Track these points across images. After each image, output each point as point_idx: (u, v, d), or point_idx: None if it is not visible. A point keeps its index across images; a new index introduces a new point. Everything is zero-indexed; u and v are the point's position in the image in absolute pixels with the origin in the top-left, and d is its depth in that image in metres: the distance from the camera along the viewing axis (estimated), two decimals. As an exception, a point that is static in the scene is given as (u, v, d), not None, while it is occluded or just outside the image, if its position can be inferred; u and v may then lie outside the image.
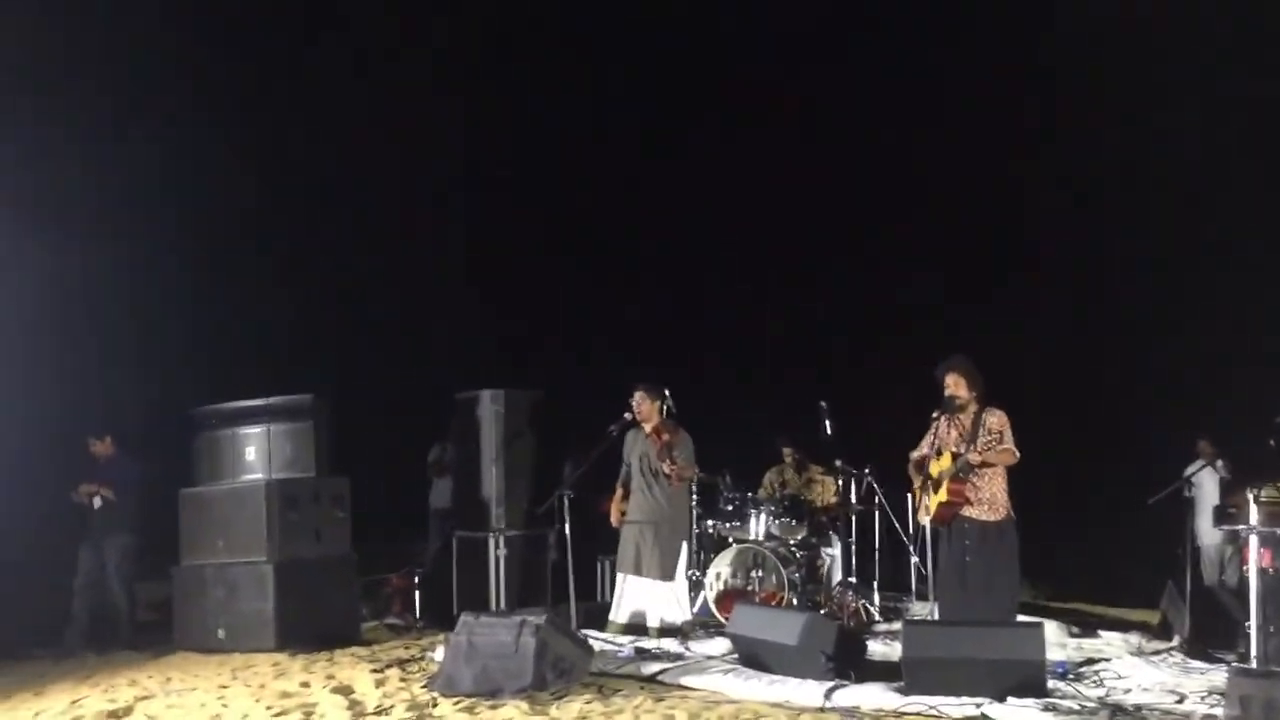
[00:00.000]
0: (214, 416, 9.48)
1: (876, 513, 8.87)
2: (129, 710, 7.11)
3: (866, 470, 8.60)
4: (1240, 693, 4.68)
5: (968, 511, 6.75)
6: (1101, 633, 7.77)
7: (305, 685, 7.35)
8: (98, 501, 9.20)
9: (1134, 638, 7.53)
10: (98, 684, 8.04)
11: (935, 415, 7.03)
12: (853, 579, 8.69)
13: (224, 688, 7.50)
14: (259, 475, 9.14)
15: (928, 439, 7.10)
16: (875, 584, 8.72)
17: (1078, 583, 9.66)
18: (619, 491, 8.49)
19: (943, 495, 6.77)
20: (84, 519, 9.31)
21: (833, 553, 8.86)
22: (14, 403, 9.46)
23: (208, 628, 8.89)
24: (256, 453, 9.22)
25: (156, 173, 10.93)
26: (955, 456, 6.75)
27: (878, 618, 8.38)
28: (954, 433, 6.91)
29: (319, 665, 8.04)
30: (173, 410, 9.87)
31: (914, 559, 8.57)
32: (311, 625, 8.66)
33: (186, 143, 11.10)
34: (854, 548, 8.83)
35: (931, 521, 6.98)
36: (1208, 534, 9.16)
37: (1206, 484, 9.18)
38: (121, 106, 10.71)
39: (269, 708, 6.77)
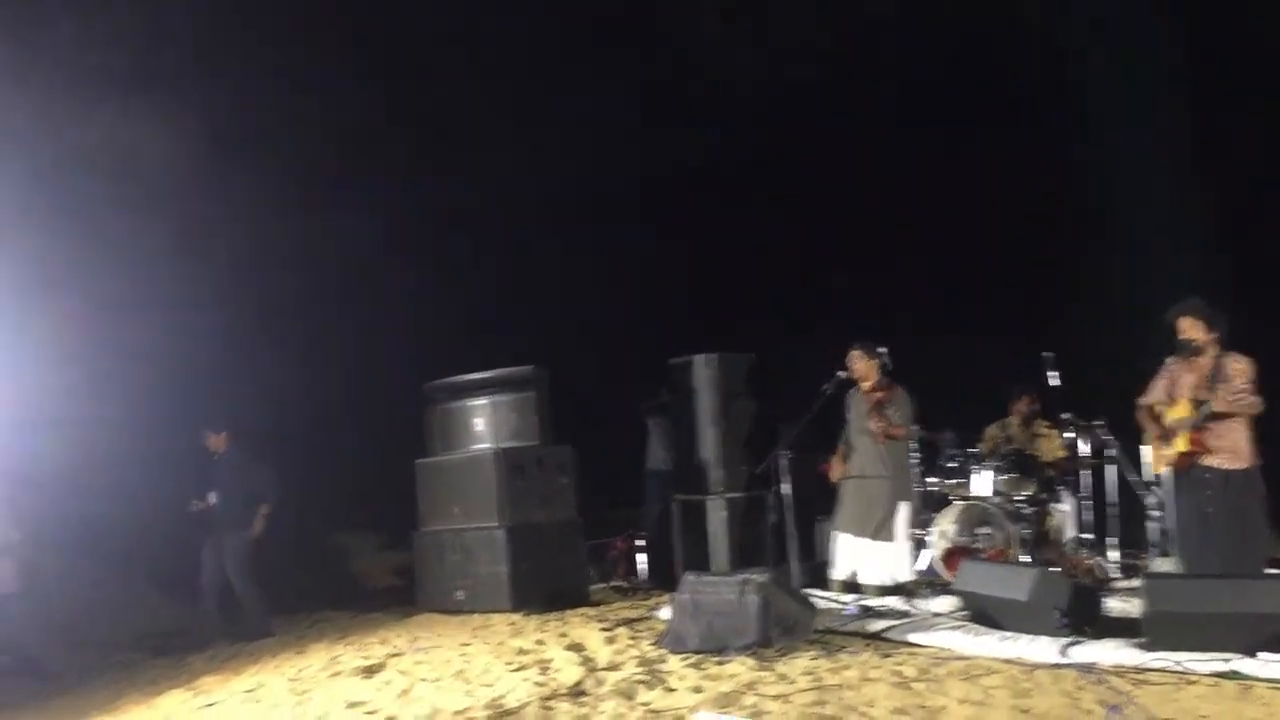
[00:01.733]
0: (444, 390, 9.98)
1: (1109, 467, 8.47)
2: (381, 666, 7.61)
3: (1098, 423, 8.23)
4: None
5: (1209, 460, 6.39)
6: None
7: (540, 643, 7.68)
8: (212, 498, 9.46)
9: None
10: (352, 643, 8.63)
11: (1169, 360, 6.68)
12: (1086, 535, 8.35)
13: (465, 645, 7.92)
14: (487, 445, 9.56)
15: (1159, 384, 6.74)
16: (1110, 541, 8.36)
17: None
18: (840, 450, 8.46)
19: (1182, 444, 6.42)
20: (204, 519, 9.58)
21: (1063, 509, 8.53)
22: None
23: (447, 590, 9.38)
24: (484, 423, 9.65)
25: (378, 156, 11.45)
26: (1197, 404, 6.39)
27: (1114, 575, 8.04)
28: (1190, 378, 6.53)
29: (551, 624, 8.37)
30: (405, 385, 10.40)
31: (1152, 513, 8.16)
32: (543, 587, 9.03)
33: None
34: (1086, 504, 8.48)
35: (1171, 470, 6.63)
36: None
37: None
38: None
39: (508, 663, 7.11)
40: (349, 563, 11.97)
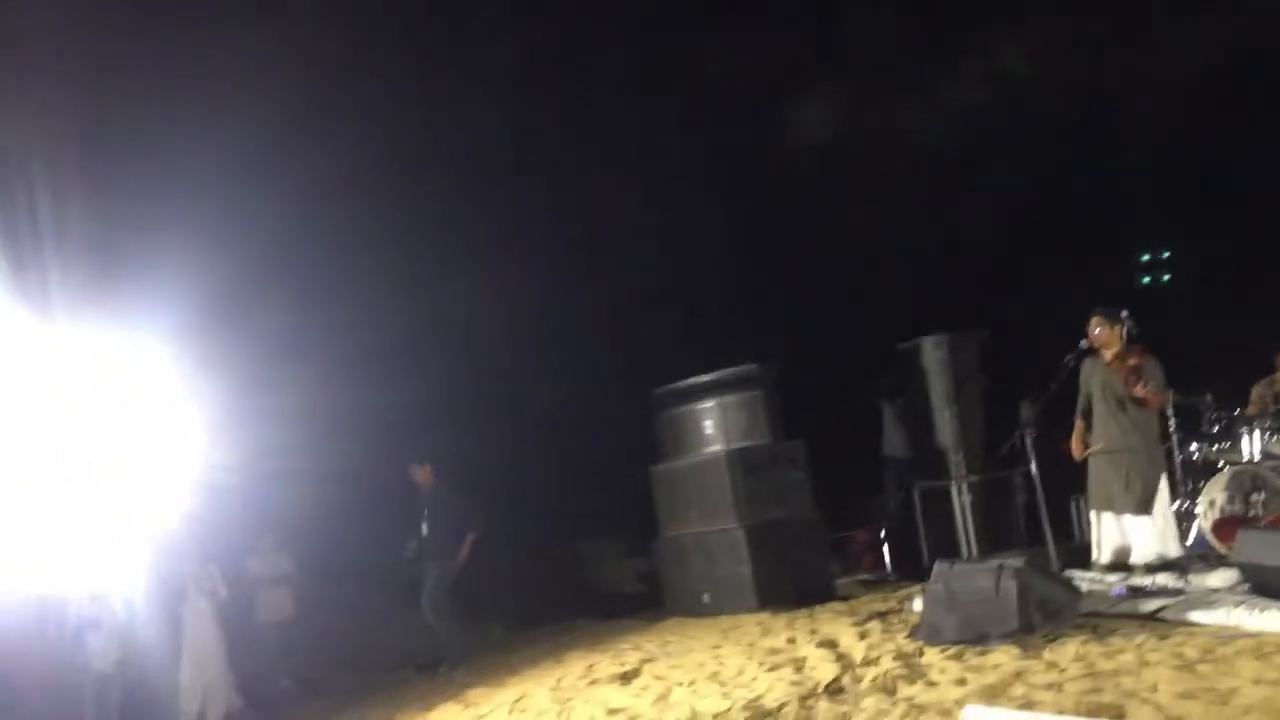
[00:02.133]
0: (671, 396, 10.07)
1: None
2: (637, 672, 7.73)
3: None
4: None
5: None
6: None
7: (791, 641, 7.62)
8: (423, 529, 9.65)
9: None
10: (606, 650, 8.81)
11: None
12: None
13: (716, 647, 7.95)
14: (718, 446, 9.59)
15: None
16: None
17: None
18: (1079, 424, 8.01)
19: None
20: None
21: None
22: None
23: (693, 593, 9.45)
24: (713, 425, 9.68)
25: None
26: None
27: None
28: None
29: (800, 622, 8.29)
30: (634, 393, 10.56)
31: None
32: (788, 584, 8.97)
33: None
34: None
35: None
36: None
37: None
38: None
39: (761, 663, 7.08)
40: (594, 572, 12.22)
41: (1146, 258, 13.19)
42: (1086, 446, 7.89)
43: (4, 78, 7.98)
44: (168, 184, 9.38)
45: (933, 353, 9.36)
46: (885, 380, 10.15)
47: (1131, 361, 7.61)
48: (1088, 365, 7.91)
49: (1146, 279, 13.16)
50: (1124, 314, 7.81)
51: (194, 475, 8.13)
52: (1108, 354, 7.78)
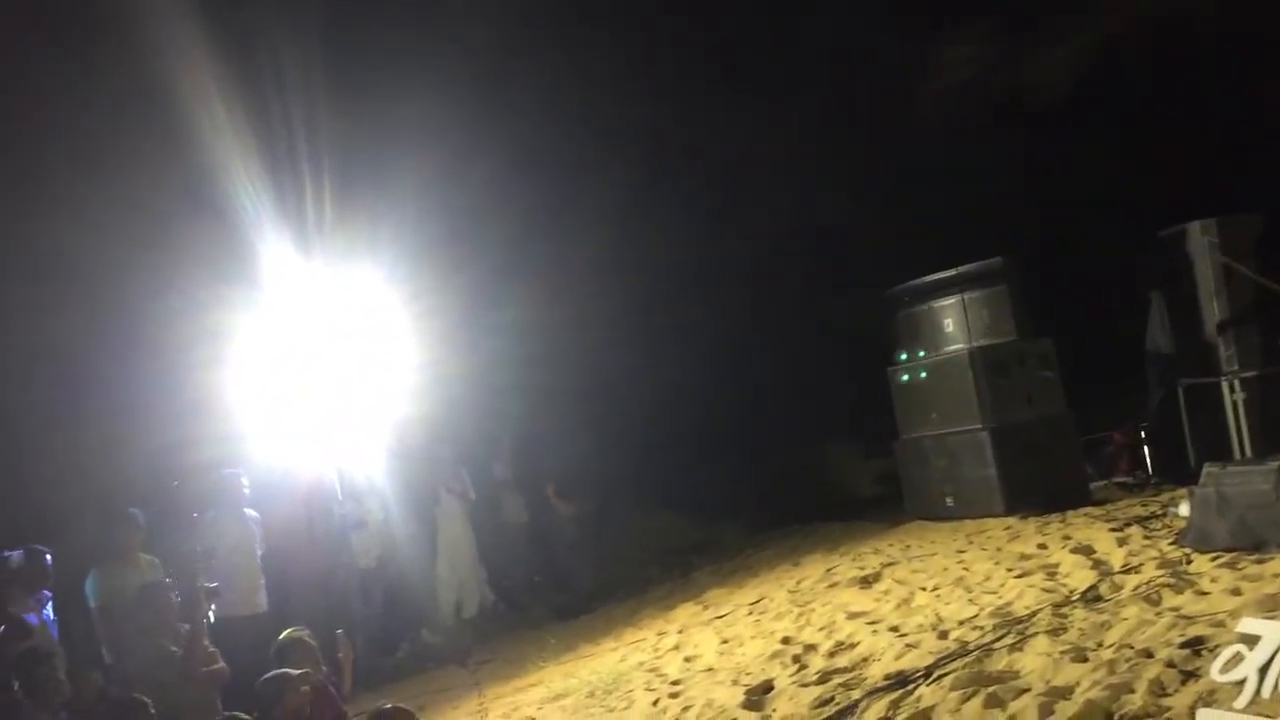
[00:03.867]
0: (908, 294, 9.68)
1: None
2: (877, 576, 7.58)
3: None
4: None
5: None
6: None
7: (1042, 547, 7.27)
8: None
9: None
10: (846, 554, 8.70)
11: None
12: None
13: (961, 552, 7.69)
14: (960, 345, 9.17)
15: None
16: None
17: None
18: None
19: None
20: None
21: None
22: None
23: (934, 496, 9.17)
24: (954, 323, 9.25)
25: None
26: None
27: None
28: None
29: (1052, 527, 7.90)
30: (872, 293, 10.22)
31: None
32: (1037, 488, 8.54)
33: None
34: None
35: None
36: None
37: None
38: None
39: (1009, 569, 6.79)
40: (834, 474, 12.07)
41: None
42: None
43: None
44: (403, 126, 9.72)
45: (1200, 238, 8.54)
46: (1148, 269, 9.38)
47: None
48: None
49: None
50: None
51: (435, 387, 8.50)
52: None
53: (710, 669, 6.43)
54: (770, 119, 11.63)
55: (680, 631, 7.55)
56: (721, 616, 7.71)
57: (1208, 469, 6.38)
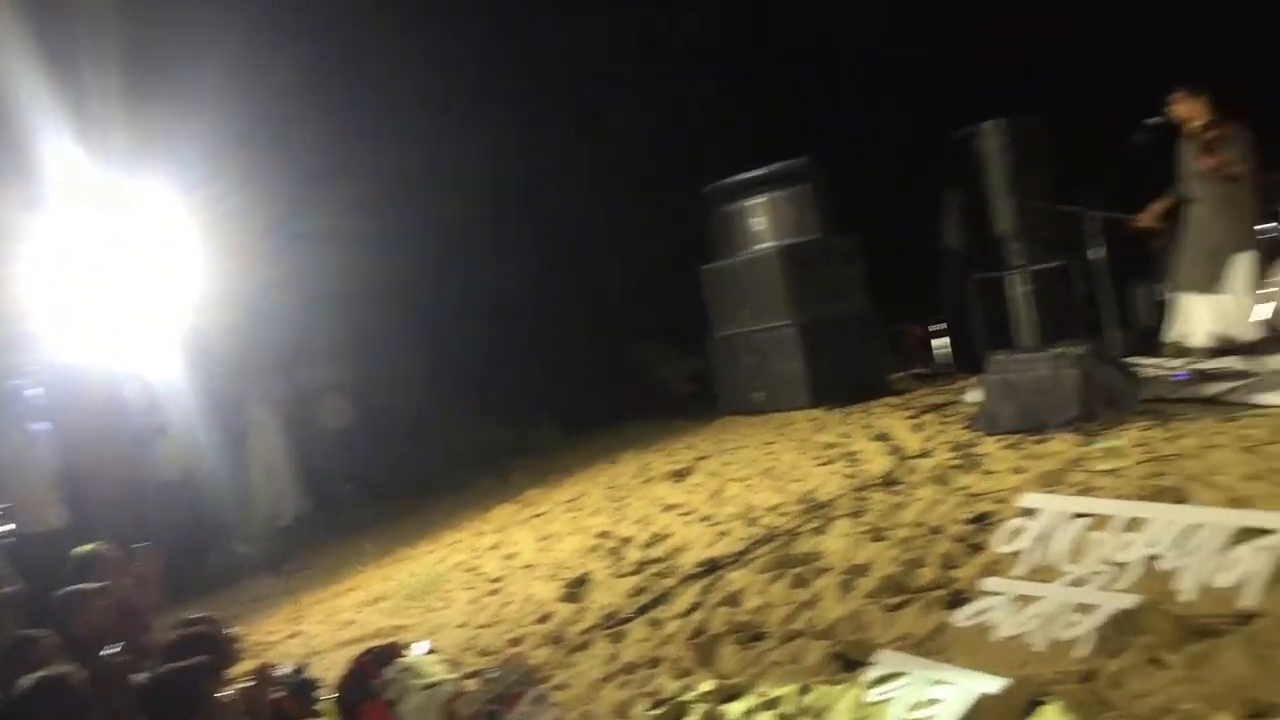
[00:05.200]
0: (721, 193, 9.80)
1: None
2: (691, 469, 7.79)
3: None
4: None
5: None
6: None
7: (845, 436, 7.59)
8: None
9: None
10: (660, 450, 8.88)
11: None
12: None
13: (770, 444, 7.95)
14: (769, 243, 9.36)
15: None
16: None
17: None
18: (1165, 200, 7.61)
19: None
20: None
21: None
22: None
23: (745, 392, 9.43)
24: (763, 222, 9.43)
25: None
26: None
27: None
28: None
29: (854, 417, 8.24)
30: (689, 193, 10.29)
31: None
32: (842, 380, 8.88)
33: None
34: None
35: None
36: None
37: None
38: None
39: (814, 458, 7.07)
40: (650, 375, 12.25)
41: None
42: (1158, 222, 7.58)
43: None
44: (198, 24, 9.16)
45: (993, 138, 8.93)
46: (945, 169, 9.75)
47: (1212, 133, 7.19)
48: (1181, 146, 7.51)
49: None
50: (1209, 88, 7.34)
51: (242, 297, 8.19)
52: (1191, 128, 7.36)
53: (529, 565, 6.52)
54: (593, 22, 11.48)
55: (498, 531, 7.60)
56: (539, 515, 7.79)
57: (995, 358, 6.75)
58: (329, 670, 4.55)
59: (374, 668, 4.06)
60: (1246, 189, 7.31)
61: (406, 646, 4.41)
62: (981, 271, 9.27)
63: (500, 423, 11.49)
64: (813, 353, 8.91)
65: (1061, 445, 5.84)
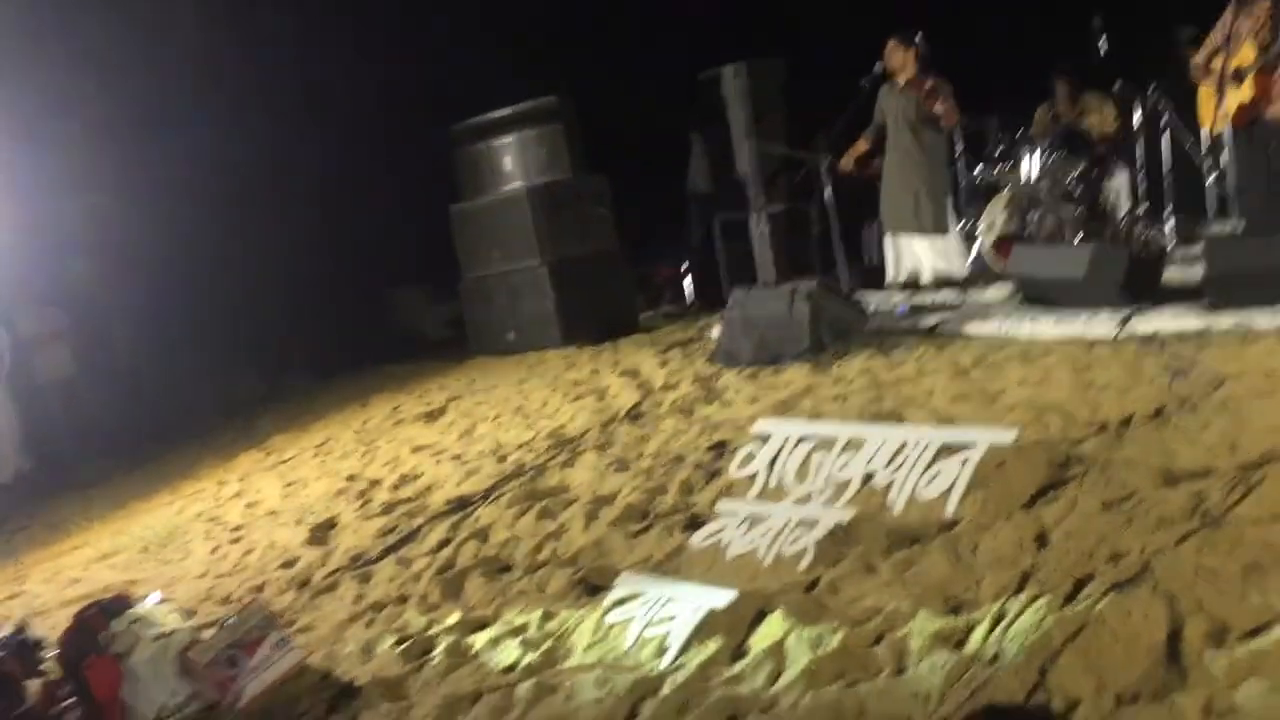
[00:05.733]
0: (469, 132, 9.69)
1: (1165, 135, 8.05)
2: (443, 410, 7.76)
3: (1151, 88, 7.78)
4: None
5: (1274, 112, 6.03)
6: None
7: (595, 372, 7.74)
8: None
9: None
10: (412, 392, 8.78)
11: (1225, 14, 6.21)
12: (1141, 208, 8.06)
13: (522, 382, 8.01)
14: (519, 183, 9.35)
15: (1214, 36, 6.30)
16: (1167, 211, 8.06)
17: None
18: (861, 143, 8.08)
19: (1245, 93, 6.06)
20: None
21: (1116, 185, 8.23)
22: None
23: (498, 332, 9.43)
24: (513, 161, 9.39)
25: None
26: (1262, 48, 5.96)
27: (1172, 245, 7.79)
28: (1248, 23, 6.08)
29: (605, 355, 8.41)
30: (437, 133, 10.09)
31: (1210, 176, 7.82)
32: (592, 319, 9.02)
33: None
34: (1140, 176, 8.14)
35: (1231, 124, 6.27)
36: None
37: None
38: None
39: (565, 395, 7.18)
40: (403, 319, 12.03)
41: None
42: (859, 164, 8.03)
43: None
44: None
45: (733, 81, 9.20)
46: (688, 111, 9.99)
47: (927, 84, 7.68)
48: (884, 92, 7.95)
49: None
50: (918, 38, 7.80)
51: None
52: (902, 78, 7.82)
53: (273, 512, 6.35)
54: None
55: (242, 479, 7.35)
56: (285, 461, 7.58)
57: (734, 293, 7.03)
58: (54, 630, 4.31)
59: (100, 621, 3.88)
60: (945, 136, 7.88)
61: (136, 598, 4.22)
62: (725, 212, 9.58)
63: (248, 370, 11.04)
64: (563, 292, 9.00)
65: (795, 375, 6.17)
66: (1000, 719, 1.49)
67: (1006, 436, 4.17)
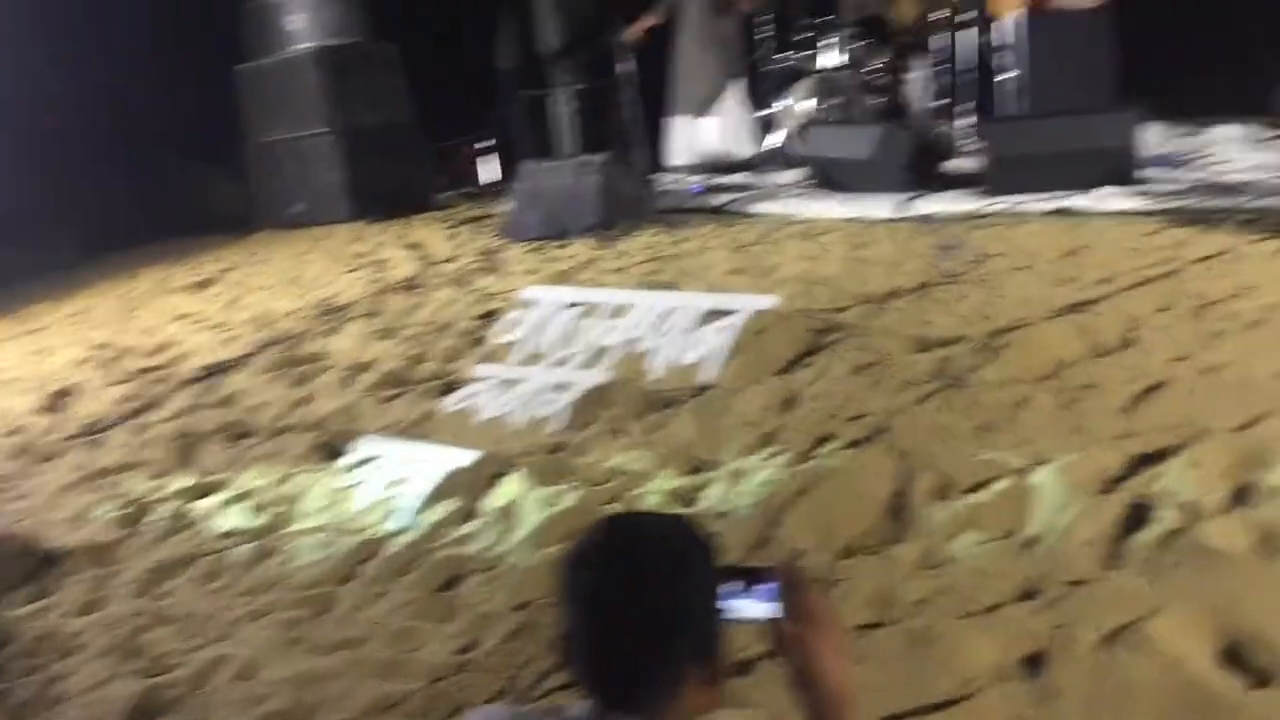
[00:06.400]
0: (254, -14, 8.99)
1: (967, 32, 8.06)
2: (213, 280, 7.28)
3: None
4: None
5: (1062, 2, 6.08)
6: (1215, 127, 7.03)
7: (380, 245, 7.37)
8: None
9: (1252, 127, 6.79)
10: (186, 264, 8.23)
11: None
12: (939, 102, 8.09)
13: (303, 255, 7.59)
14: (307, 44, 8.74)
15: None
16: (964, 107, 8.12)
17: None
18: (652, 17, 7.86)
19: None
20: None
21: (916, 77, 8.24)
22: None
23: (284, 204, 8.89)
24: (301, 19, 8.76)
25: None
26: None
27: (964, 141, 7.87)
28: None
29: (394, 229, 8.00)
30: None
31: (1004, 74, 7.88)
32: (384, 193, 8.55)
33: None
34: (944, 70, 8.14)
35: (1025, 15, 6.28)
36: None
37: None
38: None
39: (344, 266, 6.82)
40: (188, 189, 11.26)
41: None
42: (647, 36, 7.83)
43: None
44: None
45: (537, -49, 8.77)
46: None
47: None
48: None
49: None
50: None
51: None
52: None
53: (13, 380, 5.83)
54: None
55: (-15, 347, 6.75)
56: (38, 330, 7.00)
57: (524, 166, 6.77)
58: None
59: None
60: (738, 21, 7.74)
61: None
62: (531, 89, 9.21)
63: (10, 241, 10.16)
64: (353, 163, 8.51)
65: (579, 249, 5.98)
66: (625, 530, 1.34)
67: (768, 303, 4.09)
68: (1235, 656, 2.08)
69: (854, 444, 3.09)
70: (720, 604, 1.33)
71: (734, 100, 7.66)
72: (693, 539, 1.33)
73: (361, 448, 3.78)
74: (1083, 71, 6.05)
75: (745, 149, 7.68)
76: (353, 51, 8.60)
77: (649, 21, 7.73)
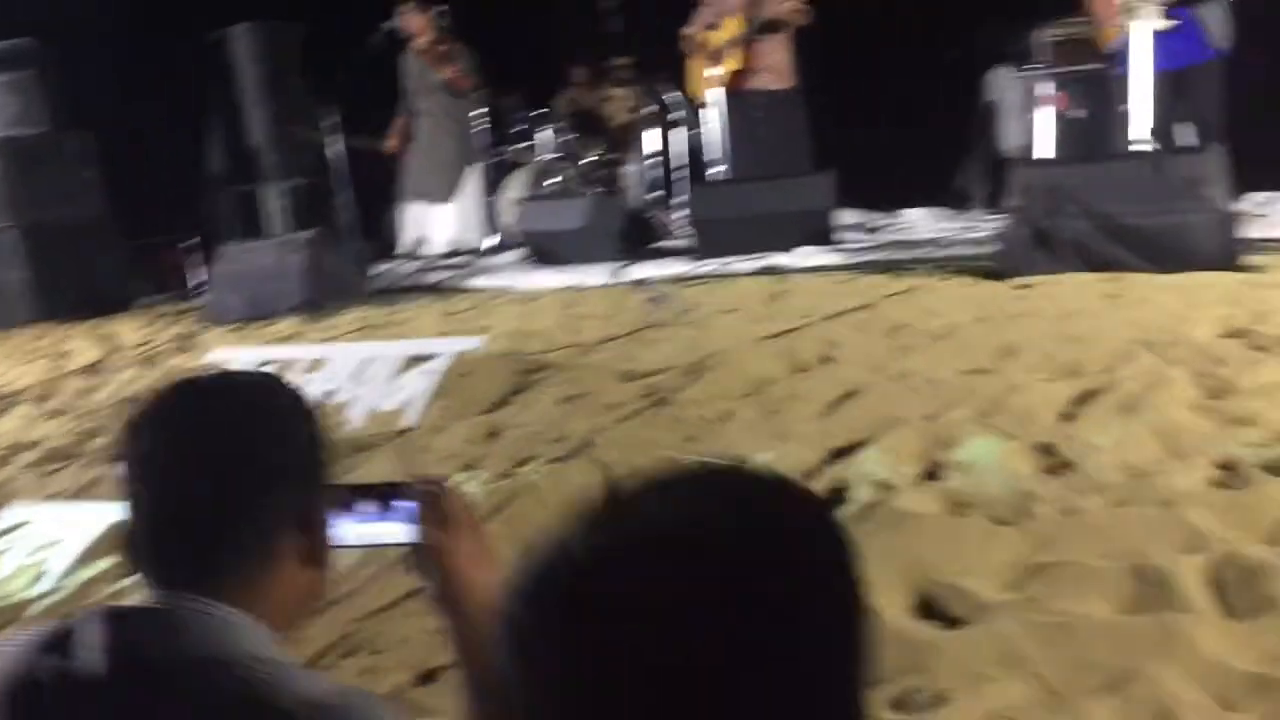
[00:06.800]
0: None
1: (684, 128, 8.30)
2: None
3: (661, 75, 8.02)
4: (1023, 183, 4.48)
5: (756, 82, 6.37)
6: (906, 211, 7.49)
7: (67, 338, 6.76)
8: None
9: (936, 210, 7.27)
10: None
11: None
12: (654, 194, 8.28)
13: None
14: (-11, 132, 8.07)
15: (703, 13, 6.58)
16: (678, 200, 8.33)
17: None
18: (402, 120, 7.82)
19: (734, 62, 6.34)
20: None
21: (630, 171, 8.43)
22: None
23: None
24: (-19, 107, 8.10)
25: None
26: (747, 20, 6.26)
27: (679, 228, 8.06)
28: (732, 1, 6.40)
29: (87, 327, 7.37)
30: None
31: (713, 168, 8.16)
32: (75, 293, 7.88)
33: None
34: (658, 165, 8.38)
35: (723, 91, 6.53)
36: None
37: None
38: None
39: (22, 357, 6.19)
40: None
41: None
42: (408, 140, 7.76)
43: None
44: None
45: (244, 42, 8.47)
46: (203, 73, 9.12)
47: (442, 48, 7.48)
48: (408, 60, 7.70)
49: None
50: (440, 7, 7.61)
51: None
52: (419, 43, 7.58)
53: None
54: None
55: None
56: None
57: (223, 249, 6.43)
58: None
59: None
60: (471, 103, 7.74)
61: None
62: (238, 184, 8.84)
63: None
64: (41, 260, 7.82)
65: (285, 325, 5.67)
66: (196, 384, 1.13)
67: (472, 344, 3.93)
68: (930, 606, 2.03)
69: (555, 460, 2.93)
70: (353, 525, 1.19)
71: (470, 187, 7.60)
72: (281, 389, 1.13)
73: (5, 516, 3.31)
74: (780, 141, 6.34)
75: (470, 236, 7.58)
76: (39, 142, 8.00)
77: (403, 122, 7.65)
